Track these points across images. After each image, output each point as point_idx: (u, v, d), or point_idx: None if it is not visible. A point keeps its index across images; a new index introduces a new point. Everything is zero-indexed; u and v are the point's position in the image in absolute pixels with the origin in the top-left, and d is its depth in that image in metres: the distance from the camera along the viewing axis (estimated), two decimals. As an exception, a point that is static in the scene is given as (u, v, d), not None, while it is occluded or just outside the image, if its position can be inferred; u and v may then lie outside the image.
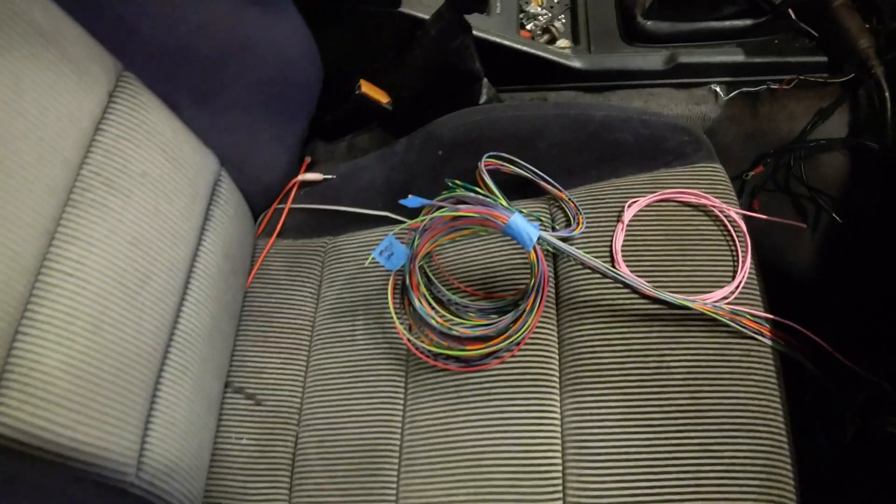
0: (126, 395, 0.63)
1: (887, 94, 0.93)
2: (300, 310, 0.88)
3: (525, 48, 1.04)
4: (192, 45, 0.71)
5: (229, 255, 0.83)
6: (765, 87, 1.05)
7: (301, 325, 0.87)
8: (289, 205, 0.95)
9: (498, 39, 1.03)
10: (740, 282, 0.77)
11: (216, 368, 0.78)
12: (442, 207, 0.76)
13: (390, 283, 0.80)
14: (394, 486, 0.74)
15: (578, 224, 0.83)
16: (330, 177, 0.98)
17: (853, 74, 0.99)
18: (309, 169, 1.00)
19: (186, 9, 0.70)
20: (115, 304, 0.64)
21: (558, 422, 0.73)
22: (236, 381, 0.83)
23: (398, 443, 0.77)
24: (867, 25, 0.99)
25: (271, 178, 0.92)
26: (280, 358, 0.85)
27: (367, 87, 0.96)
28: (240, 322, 0.87)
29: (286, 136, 0.89)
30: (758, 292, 0.77)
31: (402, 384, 0.80)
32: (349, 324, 0.85)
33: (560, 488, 0.70)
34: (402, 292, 0.80)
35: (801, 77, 1.02)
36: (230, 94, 0.78)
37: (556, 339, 0.78)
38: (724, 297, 0.76)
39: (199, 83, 0.75)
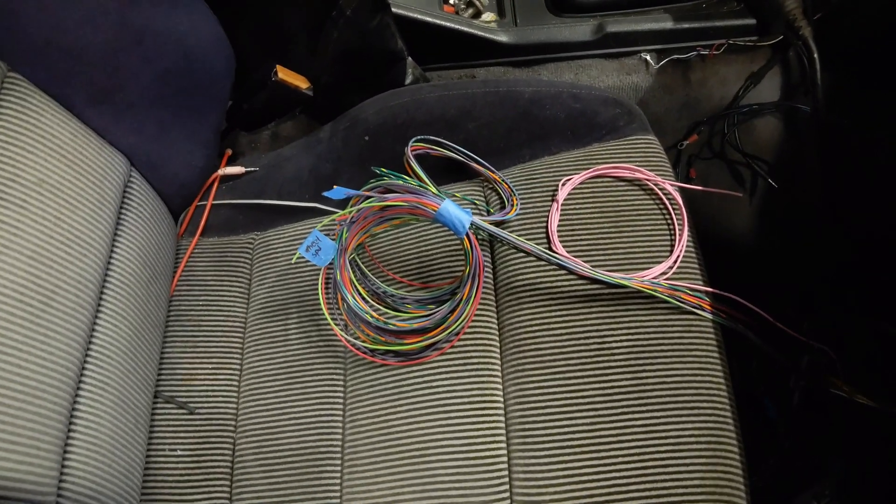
0: (38, 421, 0.59)
1: (816, 54, 0.93)
2: (230, 311, 0.84)
3: (449, 24, 1.00)
4: (81, 41, 0.66)
5: (147, 260, 0.78)
6: (695, 53, 1.04)
7: (232, 326, 0.83)
8: (210, 201, 0.91)
9: (420, 16, 0.99)
10: (678, 256, 0.76)
11: (141, 380, 0.74)
12: (369, 198, 0.73)
13: (321, 279, 0.77)
14: (337, 487, 0.72)
15: (513, 206, 0.80)
16: (253, 169, 0.93)
17: (782, 36, 0.99)
18: (231, 161, 0.95)
19: (68, 1, 0.64)
20: (18, 325, 0.59)
21: (502, 411, 0.72)
22: (166, 391, 0.79)
23: (340, 443, 0.74)
24: (793, -14, 0.99)
25: (189, 175, 0.87)
26: (211, 363, 0.81)
27: (283, 73, 0.91)
28: (166, 329, 0.83)
29: (200, 129, 0.83)
30: (696, 266, 0.76)
31: (341, 382, 0.77)
32: (282, 323, 0.82)
33: (506, 478, 0.68)
34: (335, 288, 0.76)
35: (731, 41, 1.01)
36: (131, 90, 0.72)
37: (496, 327, 0.76)
38: (663, 273, 0.75)
39: (95, 81, 0.69)
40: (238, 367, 0.81)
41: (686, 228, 0.77)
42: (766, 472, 0.93)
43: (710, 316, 0.73)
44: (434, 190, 0.74)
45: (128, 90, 0.72)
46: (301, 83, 0.94)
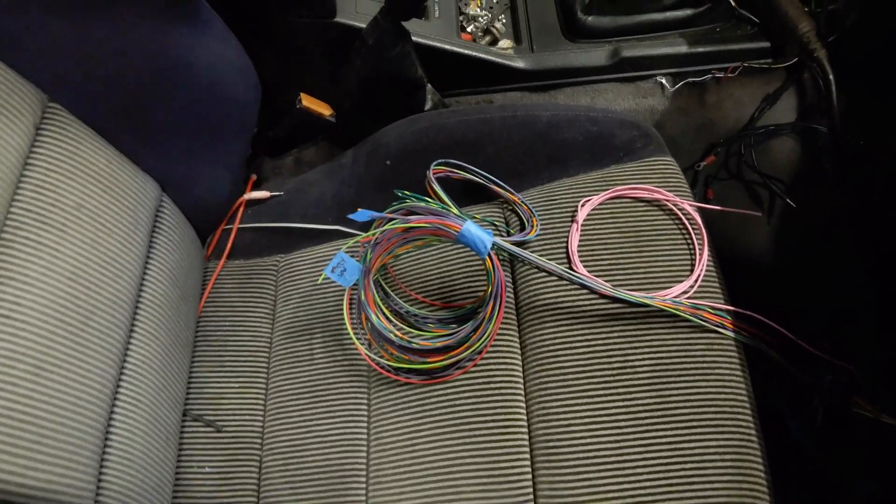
0: (76, 435, 0.61)
1: (831, 76, 0.94)
2: (256, 331, 0.86)
3: (467, 51, 1.03)
4: (116, 72, 0.68)
5: (177, 281, 0.80)
6: (710, 76, 1.05)
7: (258, 347, 0.85)
8: (237, 225, 0.93)
9: (439, 44, 1.01)
10: (699, 275, 0.76)
11: (171, 398, 0.76)
12: (393, 220, 0.74)
13: (345, 299, 0.78)
14: (363, 505, 0.73)
15: (533, 227, 0.82)
16: (277, 194, 0.95)
17: (796, 58, 1.00)
18: (255, 187, 0.98)
19: (103, 37, 0.66)
20: (58, 343, 0.61)
21: (525, 429, 0.72)
22: (194, 410, 0.81)
23: (364, 461, 0.75)
24: (806, 9, 1.00)
25: (216, 200, 0.89)
26: (238, 382, 0.82)
27: (308, 101, 0.94)
28: (194, 349, 0.84)
29: (227, 155, 0.86)
30: (717, 285, 0.77)
31: (366, 401, 0.78)
32: (307, 343, 0.83)
33: (531, 496, 0.69)
34: (359, 308, 0.78)
35: (746, 64, 1.03)
36: (163, 118, 0.75)
37: (518, 346, 0.77)
38: (684, 292, 0.76)
39: (130, 109, 0.72)
40: (264, 386, 0.82)
41: (706, 247, 0.78)
42: (791, 492, 0.93)
43: (732, 334, 0.73)
44: (456, 211, 0.76)
45: (160, 118, 0.75)
46: (324, 110, 0.96)
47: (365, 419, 0.77)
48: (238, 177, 0.92)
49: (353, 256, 0.75)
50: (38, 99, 0.67)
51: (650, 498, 0.66)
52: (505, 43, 1.10)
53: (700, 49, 1.04)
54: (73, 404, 0.61)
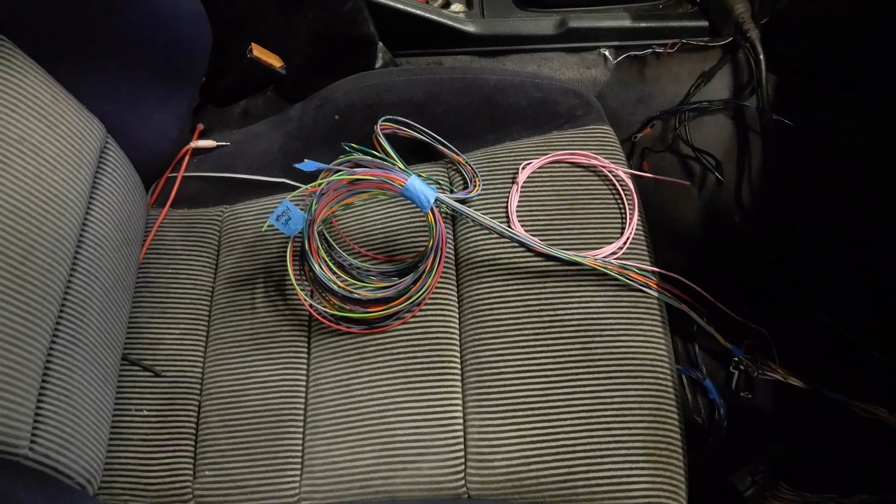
0: (15, 368, 0.61)
1: (762, 56, 0.99)
2: (197, 279, 0.86)
3: (419, 12, 1.04)
4: (67, 7, 0.68)
5: (119, 224, 0.80)
6: (650, 51, 1.09)
7: (199, 294, 0.86)
8: (181, 173, 0.93)
9: (391, 3, 1.02)
10: (628, 238, 0.81)
11: (111, 341, 0.76)
12: (339, 171, 0.76)
13: (289, 249, 0.80)
14: (299, 448, 0.75)
15: (475, 186, 0.85)
16: (224, 144, 0.96)
17: (731, 38, 1.05)
18: (202, 136, 0.97)
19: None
20: (-3, 276, 0.61)
21: (459, 377, 0.76)
22: (133, 354, 0.81)
23: (302, 405, 0.77)
24: (743, -9, 1.04)
25: (161, 146, 0.89)
26: (178, 329, 0.83)
27: (258, 51, 0.94)
28: (135, 295, 0.85)
29: (175, 101, 0.86)
30: (645, 247, 0.81)
31: (305, 349, 0.80)
32: (249, 292, 0.84)
33: (461, 439, 0.72)
34: (302, 258, 0.79)
35: (684, 41, 1.07)
36: (111, 58, 0.74)
37: (455, 298, 0.80)
38: (613, 253, 0.80)
39: (78, 47, 0.71)
40: (205, 333, 0.83)
41: (636, 212, 0.82)
42: (707, 450, 0.99)
43: (655, 294, 0.78)
44: (401, 166, 0.78)
45: (108, 57, 0.74)
46: (274, 62, 0.96)
47: (304, 366, 0.79)
48: (185, 124, 0.91)
49: (298, 206, 0.76)
50: (-19, 30, 0.66)
51: (572, 441, 0.70)
52: (457, 7, 1.11)
53: (642, 24, 1.08)
54: (13, 337, 0.61)
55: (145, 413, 0.79)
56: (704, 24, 1.08)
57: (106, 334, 0.75)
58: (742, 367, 1.00)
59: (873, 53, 0.93)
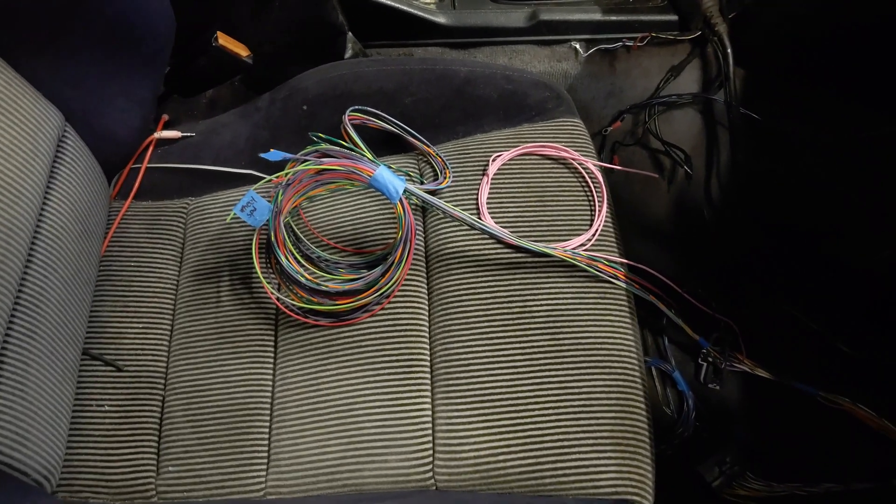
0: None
1: (730, 50, 1.00)
2: (161, 273, 0.85)
3: (389, 2, 1.03)
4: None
5: (79, 215, 0.78)
6: (620, 44, 1.10)
7: (163, 288, 0.84)
8: (145, 164, 0.91)
9: (362, -8, 1.01)
10: (597, 229, 0.81)
11: (70, 335, 0.74)
12: (306, 161, 0.75)
13: (254, 240, 0.78)
14: (265, 442, 0.74)
15: (445, 178, 0.84)
16: (189, 134, 0.94)
17: (700, 32, 1.05)
18: (167, 126, 0.95)
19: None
20: (-54, 266, 0.59)
21: (428, 369, 0.75)
22: (94, 348, 0.79)
23: (269, 400, 0.76)
24: (712, -14, 1.05)
25: (124, 136, 0.87)
26: (141, 323, 0.82)
27: (224, 40, 0.92)
28: (96, 288, 0.83)
29: (138, 89, 0.84)
30: (613, 239, 0.81)
31: (272, 342, 0.79)
32: (214, 285, 0.83)
33: (429, 431, 0.72)
34: (269, 250, 0.78)
35: (654, 35, 1.08)
36: (70, 44, 0.72)
37: (425, 290, 0.80)
38: (582, 245, 0.80)
39: (33, 31, 0.69)
40: (168, 327, 0.82)
41: (605, 204, 0.82)
42: (675, 441, 1.00)
43: (623, 285, 0.78)
44: (370, 156, 0.77)
45: (67, 43, 0.72)
46: (241, 51, 0.95)
47: (271, 359, 0.78)
48: (148, 114, 0.90)
49: (264, 198, 0.75)
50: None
51: (540, 431, 0.70)
52: (427, -2, 1.11)
53: (613, 17, 1.08)
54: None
55: (107, 408, 0.77)
56: (674, 18, 1.09)
57: (64, 328, 0.73)
58: (710, 359, 1.01)
59: (840, 48, 0.94)
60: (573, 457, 0.69)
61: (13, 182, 0.67)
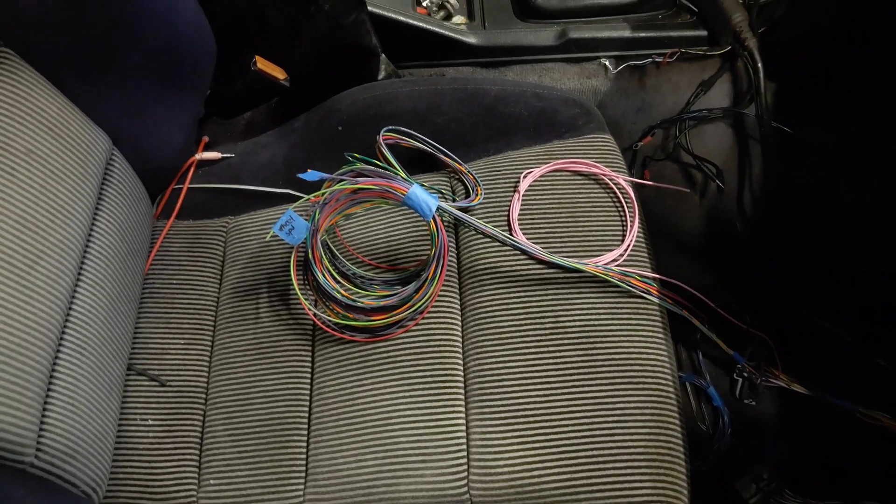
0: (20, 377, 0.61)
1: (760, 64, 1.00)
2: (203, 291, 0.87)
3: (421, 24, 1.05)
4: (71, 19, 0.69)
5: (125, 236, 0.81)
6: (650, 60, 1.10)
7: (204, 305, 0.86)
8: (187, 185, 0.94)
9: (394, 15, 1.04)
10: (629, 245, 0.81)
11: (116, 350, 0.77)
12: (342, 181, 0.77)
13: (293, 258, 0.80)
14: (303, 457, 0.75)
15: (477, 195, 0.85)
16: (229, 155, 0.97)
17: (730, 47, 1.06)
18: (207, 148, 0.99)
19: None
20: (4, 285, 0.62)
21: (461, 385, 0.76)
22: (138, 364, 0.82)
23: (306, 414, 0.78)
24: (741, 1, 1.06)
25: (167, 158, 0.90)
26: (183, 339, 0.84)
27: (262, 64, 0.95)
28: (140, 305, 0.86)
29: (180, 113, 0.87)
30: (646, 254, 0.82)
31: (309, 358, 0.81)
32: (253, 302, 0.85)
33: (464, 446, 0.73)
34: (305, 267, 0.80)
35: (683, 50, 1.08)
36: (117, 70, 0.76)
37: (458, 306, 0.81)
38: (614, 260, 0.80)
39: (83, 59, 0.72)
40: (209, 343, 0.84)
41: (637, 219, 0.83)
42: (711, 457, 0.99)
43: (656, 300, 0.78)
44: (403, 175, 0.79)
45: (114, 70, 0.75)
46: (278, 74, 0.97)
47: (308, 375, 0.80)
48: (190, 136, 0.93)
49: (302, 216, 0.77)
50: (-10, 44, 0.67)
51: (574, 447, 0.70)
52: (458, 19, 1.13)
53: (642, 34, 1.09)
54: (19, 346, 0.62)
55: (150, 422, 0.79)
56: (703, 33, 1.09)
57: (111, 344, 0.76)
58: (745, 374, 1.01)
59: (870, 59, 0.93)
60: (607, 472, 0.69)
61: (65, 204, 0.70)
